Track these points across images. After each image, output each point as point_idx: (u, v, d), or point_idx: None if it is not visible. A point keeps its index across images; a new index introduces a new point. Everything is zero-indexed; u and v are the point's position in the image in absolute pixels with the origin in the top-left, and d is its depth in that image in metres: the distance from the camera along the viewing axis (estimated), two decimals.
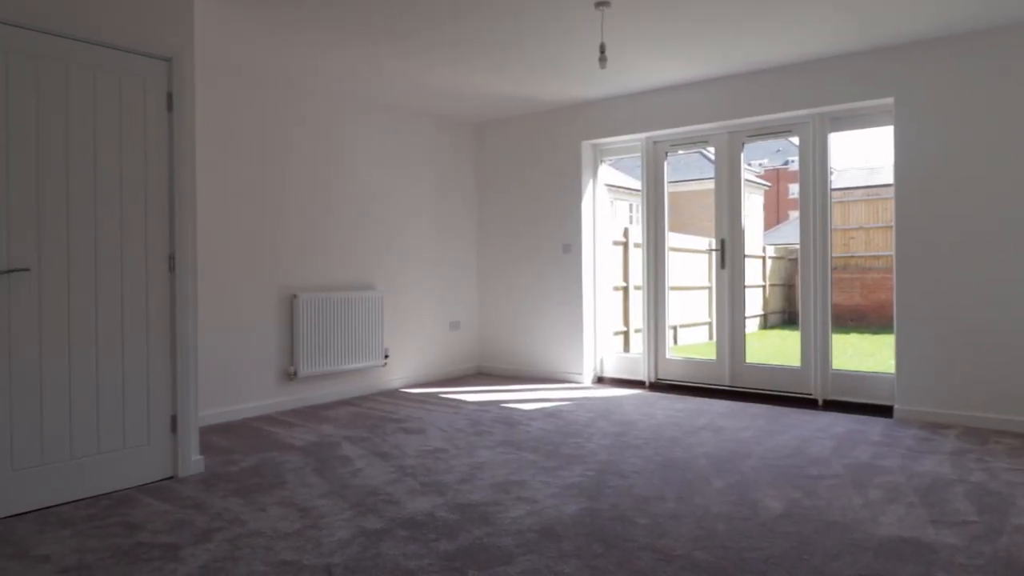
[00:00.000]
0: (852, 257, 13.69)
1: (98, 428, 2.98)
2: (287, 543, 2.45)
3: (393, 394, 5.30)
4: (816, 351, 4.72)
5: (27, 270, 2.77)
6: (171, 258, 3.22)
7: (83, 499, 2.93)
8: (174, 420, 3.23)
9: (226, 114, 4.47)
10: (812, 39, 4.12)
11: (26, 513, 2.77)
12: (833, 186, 4.90)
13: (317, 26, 3.79)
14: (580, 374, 5.71)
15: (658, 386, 5.45)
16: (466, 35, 3.97)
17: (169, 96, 3.22)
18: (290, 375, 4.78)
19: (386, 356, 5.40)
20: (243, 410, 4.51)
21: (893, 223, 4.35)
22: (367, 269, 5.36)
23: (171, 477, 3.22)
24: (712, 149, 5.29)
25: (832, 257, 4.78)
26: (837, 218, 14.76)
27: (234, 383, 4.47)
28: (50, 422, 2.84)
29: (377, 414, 4.58)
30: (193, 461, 3.28)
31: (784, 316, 13.79)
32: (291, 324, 4.79)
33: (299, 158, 4.89)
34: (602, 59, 3.55)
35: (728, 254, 5.16)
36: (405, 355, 5.66)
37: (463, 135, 6.21)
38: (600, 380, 5.78)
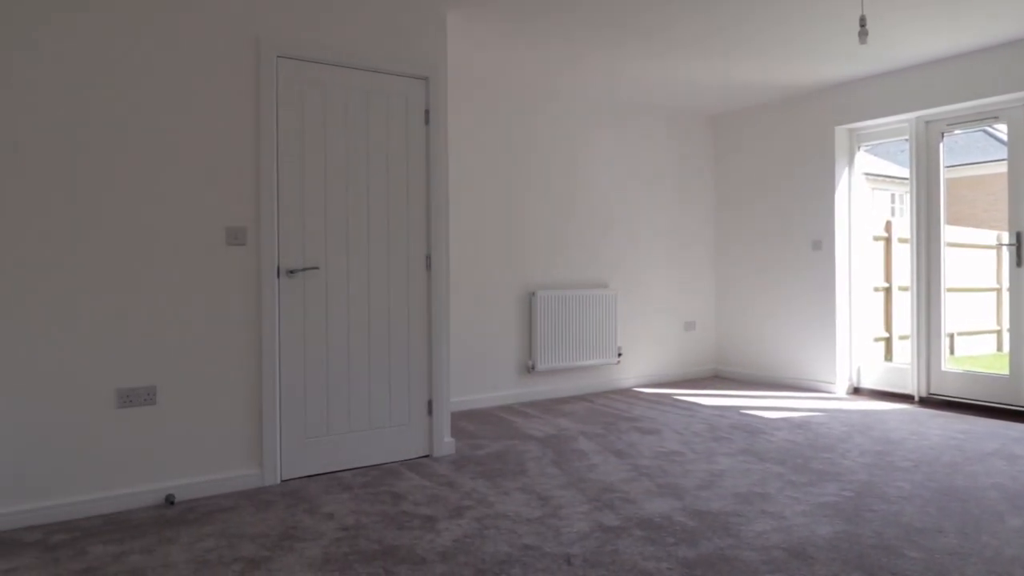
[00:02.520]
0: None
1: (370, 406, 3.40)
2: (529, 528, 2.56)
3: (626, 392, 5.30)
4: None
5: (317, 268, 3.25)
6: (428, 258, 3.56)
7: (358, 468, 3.35)
8: (430, 404, 3.56)
9: (474, 125, 4.81)
10: None
11: (316, 475, 3.25)
12: None
13: (563, 36, 3.93)
14: (832, 383, 5.21)
15: (930, 402, 4.77)
16: (713, 25, 3.83)
17: (426, 112, 3.56)
18: (529, 368, 5.01)
19: (619, 354, 5.42)
20: (487, 399, 4.83)
21: None
22: (601, 267, 5.42)
23: (427, 455, 3.55)
24: (1003, 126, 4.49)
25: None
26: None
27: (479, 373, 4.81)
28: (334, 399, 3.30)
29: (611, 411, 4.61)
30: (445, 442, 3.59)
31: None
32: (530, 320, 5.02)
33: (539, 161, 5.10)
34: (862, 33, 3.18)
35: None
36: (638, 354, 5.62)
37: (699, 129, 6.00)
38: (856, 391, 5.22)
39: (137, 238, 2.85)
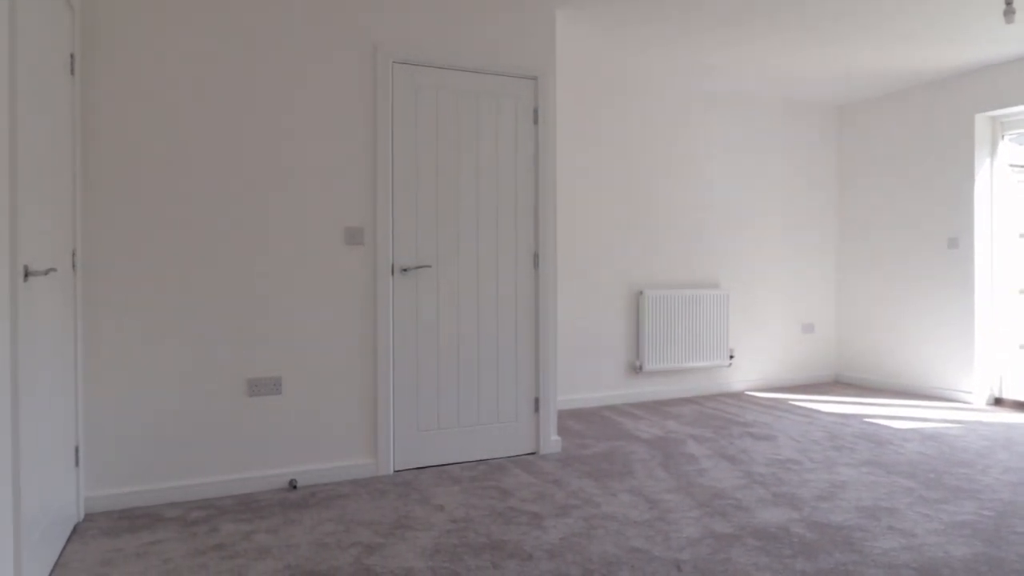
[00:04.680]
0: None
1: (479, 402, 3.47)
2: (637, 531, 2.53)
3: (738, 396, 5.12)
4: None
5: (429, 266, 3.35)
6: (535, 256, 3.58)
7: (467, 462, 3.43)
8: (537, 402, 3.59)
9: (583, 122, 4.80)
10: None
11: (427, 467, 3.35)
12: None
13: (678, 29, 3.84)
14: (969, 393, 4.79)
15: None
16: (844, 9, 3.62)
17: (535, 111, 3.58)
18: (636, 369, 4.94)
19: (731, 356, 5.23)
20: (593, 398, 4.80)
21: None
22: (713, 266, 5.26)
23: (533, 453, 3.58)
24: None
25: None
26: None
27: (586, 372, 4.79)
28: (444, 394, 3.39)
29: (722, 415, 4.46)
30: (552, 441, 3.60)
31: None
32: (637, 319, 4.95)
33: (649, 157, 5.01)
34: (1008, 12, 2.91)
35: None
36: (751, 357, 5.41)
37: (821, 120, 5.69)
38: (998, 402, 4.78)
39: (265, 239, 3.06)
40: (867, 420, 4.28)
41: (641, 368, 4.89)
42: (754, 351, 5.42)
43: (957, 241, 4.86)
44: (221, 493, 2.97)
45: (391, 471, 3.27)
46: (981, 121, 4.77)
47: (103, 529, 2.59)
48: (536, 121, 3.58)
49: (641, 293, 4.90)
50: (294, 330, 3.11)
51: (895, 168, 5.29)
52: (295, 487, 3.05)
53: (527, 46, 3.55)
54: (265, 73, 3.04)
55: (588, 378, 4.80)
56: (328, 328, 3.16)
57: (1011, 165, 4.85)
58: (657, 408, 4.70)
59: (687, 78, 4.85)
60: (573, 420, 4.34)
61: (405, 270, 3.30)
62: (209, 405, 2.97)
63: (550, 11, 3.58)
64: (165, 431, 2.90)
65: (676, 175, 5.12)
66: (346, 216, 3.19)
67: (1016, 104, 4.51)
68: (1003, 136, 4.80)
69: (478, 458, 3.46)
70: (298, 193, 3.11)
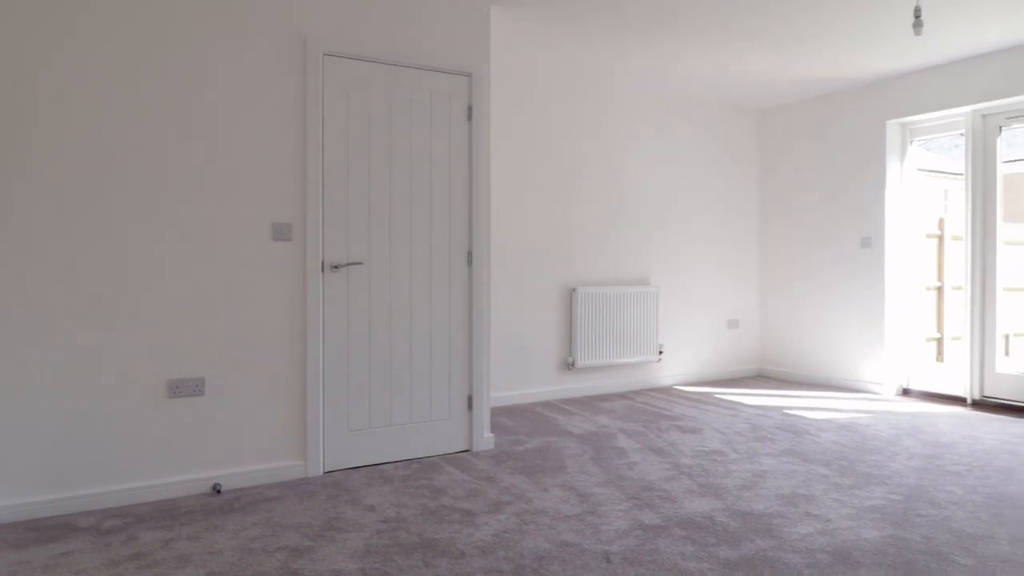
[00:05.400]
0: None
1: (411, 400, 3.43)
2: (568, 525, 2.56)
3: (667, 391, 5.25)
4: None
5: (361, 263, 3.30)
6: (469, 254, 3.58)
7: (400, 461, 3.40)
8: (470, 399, 3.58)
9: (517, 120, 4.81)
10: None
11: (359, 468, 3.30)
12: None
13: (610, 31, 3.90)
14: (880, 384, 5.07)
15: (984, 405, 4.61)
16: (765, 20, 3.75)
17: (469, 108, 3.57)
18: (569, 365, 5.00)
19: (660, 352, 5.36)
20: (527, 395, 4.83)
21: None
22: (644, 264, 5.37)
23: (467, 450, 3.57)
24: None
25: None
26: None
27: (520, 369, 4.82)
28: (376, 392, 3.35)
29: (651, 409, 4.57)
30: (485, 438, 3.61)
31: None
32: (570, 317, 5.01)
33: (582, 156, 5.08)
34: (917, 24, 3.08)
35: None
36: (679, 352, 5.56)
37: (746, 124, 5.90)
38: (905, 393, 5.07)
39: (186, 234, 2.94)
40: (787, 412, 4.47)
41: (574, 364, 4.96)
42: (682, 346, 5.58)
43: (870, 241, 5.13)
44: (139, 500, 2.84)
45: (321, 472, 3.20)
46: (892, 127, 5.05)
47: (8, 541, 2.43)
48: (470, 118, 3.57)
49: (574, 290, 4.96)
50: (219, 329, 3.00)
51: (814, 171, 5.54)
52: (219, 491, 2.95)
53: (462, 42, 3.53)
54: (189, 63, 2.92)
55: (522, 375, 4.83)
56: (255, 326, 3.07)
57: (919, 169, 5.15)
58: (589, 403, 4.78)
59: (618, 78, 4.94)
60: (507, 417, 4.36)
61: (336, 267, 3.24)
62: (124, 407, 2.83)
63: (485, 8, 3.58)
64: (76, 435, 2.75)
65: (609, 174, 5.21)
66: (274, 211, 3.10)
67: (924, 111, 4.79)
68: (912, 141, 5.09)
69: (411, 457, 3.43)
70: (222, 187, 3.00)
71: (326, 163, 3.21)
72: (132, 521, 2.63)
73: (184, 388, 2.93)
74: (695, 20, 3.79)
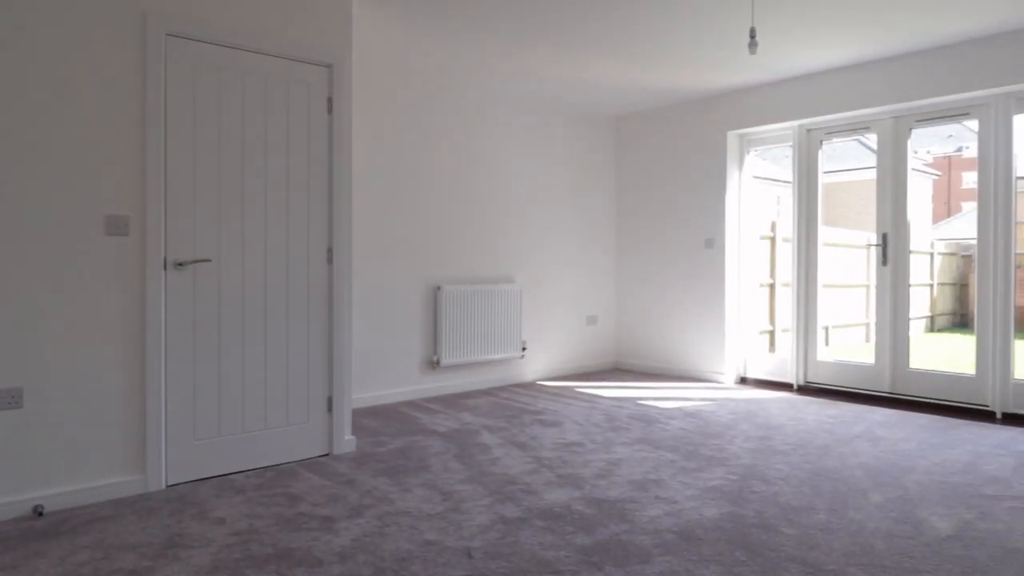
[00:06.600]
0: None
1: (266, 405, 3.27)
2: (430, 524, 2.56)
3: (530, 386, 5.38)
4: (995, 358, 4.23)
5: (209, 260, 3.09)
6: (329, 251, 3.46)
7: (253, 469, 3.23)
8: (330, 401, 3.47)
9: (378, 115, 4.72)
10: (991, 10, 3.68)
11: (207, 479, 3.09)
12: (1019, 174, 4.36)
13: (469, 27, 3.92)
14: (722, 374, 5.49)
15: (807, 390, 5.13)
16: (611, 30, 3.93)
17: (329, 100, 3.46)
18: (433, 364, 4.98)
19: (524, 349, 5.48)
20: (390, 395, 4.76)
21: None
22: (508, 262, 5.47)
23: (327, 454, 3.46)
24: (873, 136, 4.88)
25: (1017, 254, 4.25)
26: (1022, 210, 13.09)
27: (383, 369, 4.74)
28: (226, 397, 3.16)
29: (515, 405, 4.66)
30: (346, 440, 3.51)
31: (955, 318, 12.46)
32: (435, 315, 4.99)
33: (445, 154, 5.07)
34: (752, 44, 3.37)
35: (891, 250, 4.74)
36: (542, 348, 5.72)
37: (602, 129, 6.16)
38: (743, 381, 5.53)
39: (1, 225, 2.61)
40: (640, 402, 4.73)
41: (439, 363, 4.95)
42: (545, 343, 5.74)
43: (713, 241, 5.54)
44: None
45: (163, 486, 2.97)
46: (732, 138, 5.48)
47: None
48: (331, 111, 3.46)
49: (439, 288, 4.95)
50: (40, 333, 2.69)
51: (664, 175, 5.90)
52: (41, 514, 2.65)
53: (322, 31, 3.41)
54: (6, 35, 2.59)
55: (386, 375, 4.75)
56: (84, 329, 2.79)
57: (756, 177, 5.64)
58: (454, 401, 4.79)
59: (484, 78, 4.99)
60: (370, 418, 4.28)
61: (180, 264, 3.01)
62: None
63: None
64: None
65: (474, 172, 5.24)
66: (107, 203, 2.83)
67: (758, 124, 5.25)
68: (749, 151, 5.56)
69: (266, 464, 3.27)
70: (44, 175, 2.69)
71: (170, 152, 2.98)
72: None
73: None
74: (547, 24, 3.90)
